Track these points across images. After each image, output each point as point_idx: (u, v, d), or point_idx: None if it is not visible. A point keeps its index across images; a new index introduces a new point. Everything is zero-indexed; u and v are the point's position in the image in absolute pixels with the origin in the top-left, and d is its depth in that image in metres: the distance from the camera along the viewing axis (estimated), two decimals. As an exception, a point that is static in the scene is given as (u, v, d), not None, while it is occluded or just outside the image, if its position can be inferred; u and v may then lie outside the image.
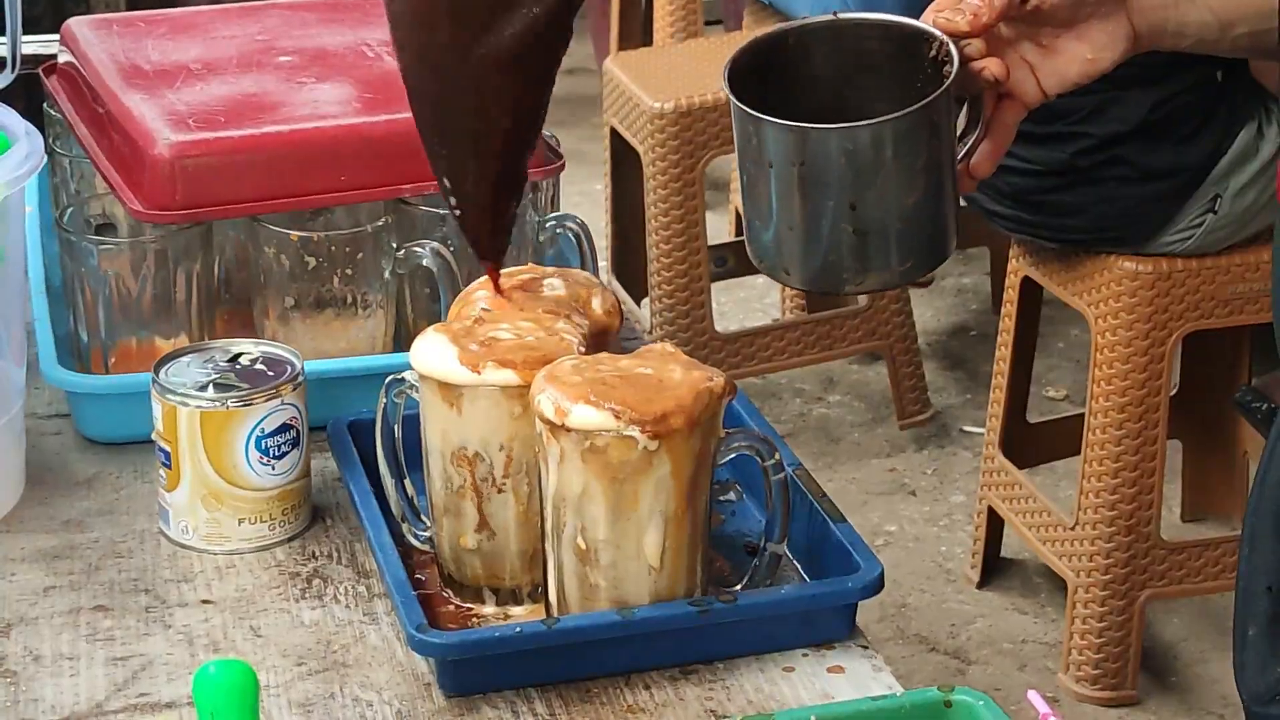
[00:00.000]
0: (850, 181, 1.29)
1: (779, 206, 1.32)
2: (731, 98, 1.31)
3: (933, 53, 1.34)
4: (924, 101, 1.29)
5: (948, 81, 1.30)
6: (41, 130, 1.59)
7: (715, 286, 3.65)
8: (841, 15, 1.38)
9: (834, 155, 1.28)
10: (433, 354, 1.41)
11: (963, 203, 1.41)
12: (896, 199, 1.30)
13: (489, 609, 1.44)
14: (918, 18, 1.37)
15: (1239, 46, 1.42)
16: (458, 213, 1.48)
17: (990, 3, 1.33)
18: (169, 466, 1.50)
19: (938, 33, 1.33)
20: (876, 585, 1.39)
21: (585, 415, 1.32)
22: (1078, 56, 1.38)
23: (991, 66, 1.34)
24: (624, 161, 3.71)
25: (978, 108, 1.37)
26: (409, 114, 1.63)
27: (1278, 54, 1.44)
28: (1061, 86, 1.38)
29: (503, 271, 1.50)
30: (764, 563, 1.41)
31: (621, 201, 3.79)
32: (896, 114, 1.28)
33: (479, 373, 1.39)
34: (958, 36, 1.33)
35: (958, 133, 1.36)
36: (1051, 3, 1.36)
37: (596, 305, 1.51)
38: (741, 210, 1.37)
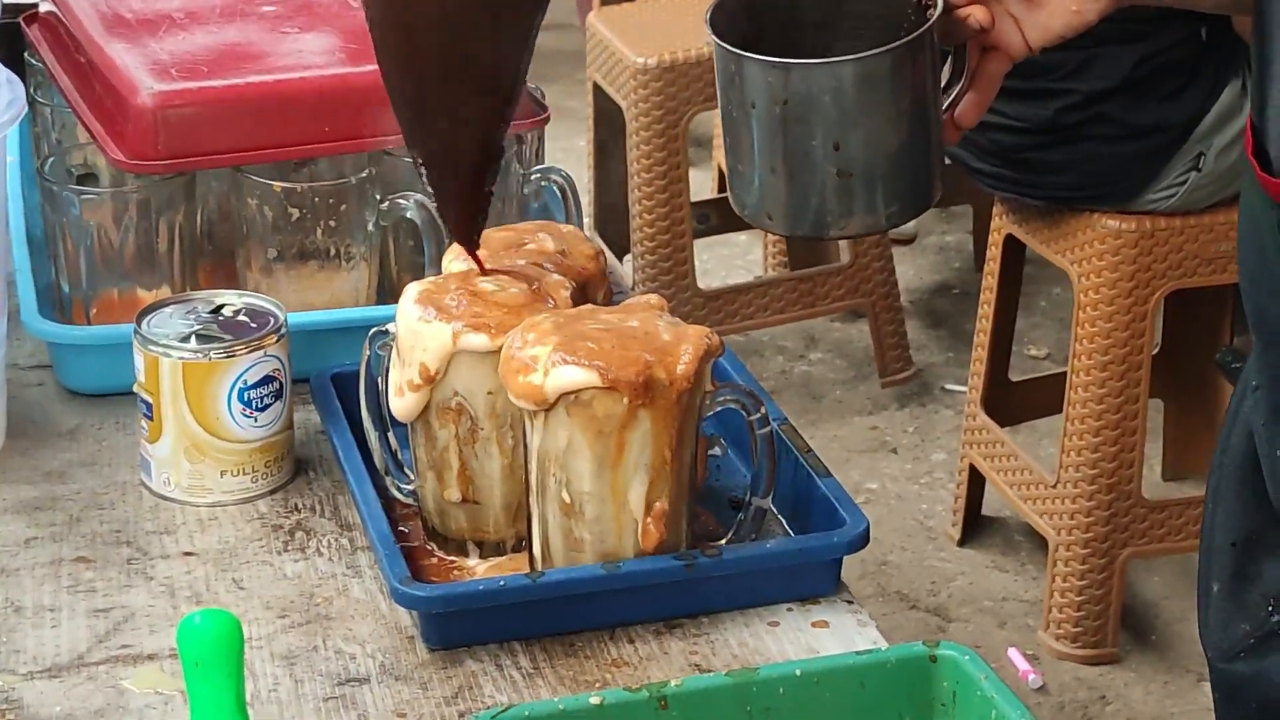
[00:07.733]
0: (834, 120, 1.29)
1: (762, 149, 1.31)
2: (714, 38, 1.31)
3: None
4: (908, 38, 1.29)
5: (932, 20, 1.31)
6: (23, 79, 1.58)
7: (698, 243, 3.65)
8: None
9: (817, 93, 1.28)
10: (411, 316, 1.41)
11: (946, 160, 1.41)
12: (881, 140, 1.30)
13: (473, 562, 1.44)
14: None
15: (1223, 4, 1.41)
16: (433, 190, 1.44)
17: None
18: (151, 418, 1.50)
19: None
20: (862, 540, 1.39)
21: (567, 375, 1.31)
22: (1063, 8, 1.37)
23: (976, 13, 1.34)
24: (607, 117, 3.69)
25: (962, 58, 1.37)
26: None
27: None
28: (1046, 39, 1.38)
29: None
30: (749, 517, 1.40)
31: (604, 158, 3.78)
32: (881, 49, 1.28)
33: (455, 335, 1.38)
34: None
35: (943, 83, 1.36)
36: None
37: (584, 260, 1.50)
38: (724, 158, 1.36)
